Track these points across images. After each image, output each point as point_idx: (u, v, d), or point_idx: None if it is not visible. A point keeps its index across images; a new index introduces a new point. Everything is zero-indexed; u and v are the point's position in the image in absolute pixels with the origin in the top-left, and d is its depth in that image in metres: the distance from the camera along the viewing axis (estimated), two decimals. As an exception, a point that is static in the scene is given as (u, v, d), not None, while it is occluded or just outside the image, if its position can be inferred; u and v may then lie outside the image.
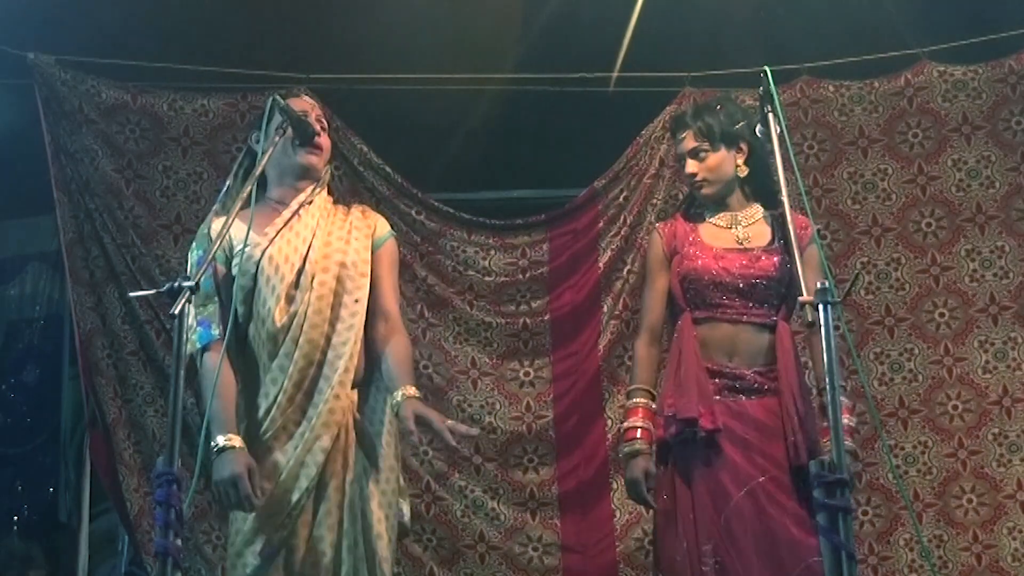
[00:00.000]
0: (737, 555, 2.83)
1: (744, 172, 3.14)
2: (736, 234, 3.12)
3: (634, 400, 3.10)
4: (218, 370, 2.73)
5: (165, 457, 2.25)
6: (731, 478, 2.90)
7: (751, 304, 3.03)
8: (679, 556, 2.92)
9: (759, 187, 3.17)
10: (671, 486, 2.99)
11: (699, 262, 3.07)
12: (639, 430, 3.04)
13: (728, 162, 3.14)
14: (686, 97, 4.40)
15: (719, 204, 3.18)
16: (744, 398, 2.98)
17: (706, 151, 3.13)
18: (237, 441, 2.73)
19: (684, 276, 3.09)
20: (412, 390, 2.83)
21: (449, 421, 2.78)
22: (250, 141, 3.07)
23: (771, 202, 3.15)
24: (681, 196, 4.37)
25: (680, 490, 2.96)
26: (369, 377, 2.96)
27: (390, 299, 3.01)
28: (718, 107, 3.19)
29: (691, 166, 3.15)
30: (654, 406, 3.08)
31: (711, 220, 3.17)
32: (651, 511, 3.12)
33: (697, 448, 2.94)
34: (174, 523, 2.20)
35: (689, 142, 3.16)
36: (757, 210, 3.17)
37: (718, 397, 2.96)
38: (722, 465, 2.91)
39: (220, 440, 2.72)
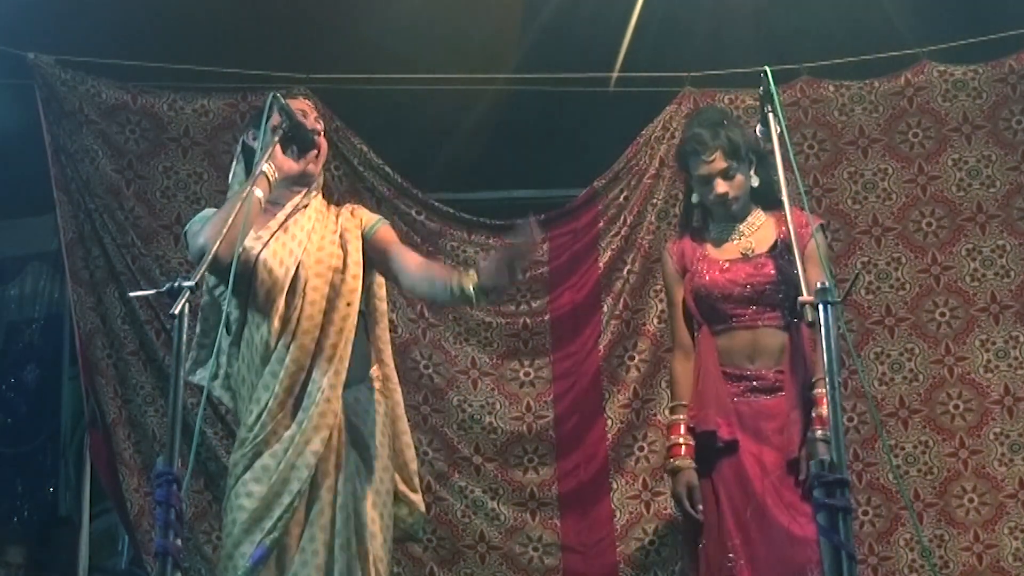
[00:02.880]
0: (758, 549, 2.88)
1: (756, 182, 3.15)
2: (741, 244, 3.14)
3: (674, 416, 3.17)
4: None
5: (165, 457, 2.25)
6: (751, 477, 2.97)
7: (764, 309, 3.08)
8: (707, 558, 3.01)
9: (759, 190, 3.18)
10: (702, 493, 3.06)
11: (707, 277, 3.12)
12: (682, 447, 3.09)
13: (748, 175, 3.13)
14: (686, 97, 4.40)
15: (729, 215, 3.19)
16: (766, 397, 3.03)
17: (735, 169, 3.11)
18: None
19: (695, 293, 3.14)
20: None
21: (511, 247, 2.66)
22: (246, 139, 3.04)
23: (769, 203, 3.16)
24: (680, 196, 4.39)
25: (707, 494, 3.03)
26: (361, 377, 2.95)
27: (413, 255, 2.96)
28: (724, 121, 3.15)
29: (722, 186, 3.13)
30: None
31: (717, 234, 3.18)
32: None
33: (721, 454, 3.01)
34: (174, 523, 2.20)
35: (719, 162, 3.11)
36: (759, 215, 3.19)
37: (739, 398, 3.02)
38: (744, 465, 2.99)
39: None
